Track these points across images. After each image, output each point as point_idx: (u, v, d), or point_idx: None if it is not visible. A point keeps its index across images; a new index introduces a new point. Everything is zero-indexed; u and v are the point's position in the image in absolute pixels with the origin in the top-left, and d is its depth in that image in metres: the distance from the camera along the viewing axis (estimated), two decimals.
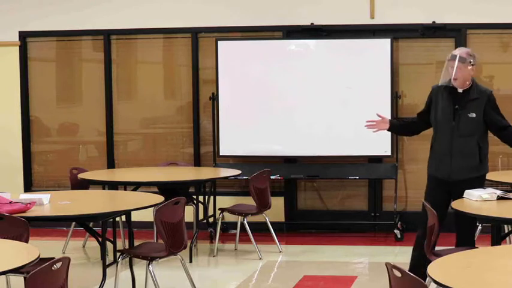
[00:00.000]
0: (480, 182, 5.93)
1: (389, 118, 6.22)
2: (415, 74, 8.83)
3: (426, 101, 6.15)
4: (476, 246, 5.91)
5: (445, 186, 5.94)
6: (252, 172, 7.79)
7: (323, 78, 8.64)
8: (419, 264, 5.97)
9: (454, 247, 5.99)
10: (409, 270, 5.88)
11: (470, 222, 5.86)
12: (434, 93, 6.07)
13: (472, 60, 5.89)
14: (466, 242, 5.91)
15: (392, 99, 8.50)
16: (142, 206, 5.83)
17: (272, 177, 8.16)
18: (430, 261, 5.90)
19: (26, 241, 4.89)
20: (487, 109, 5.89)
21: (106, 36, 9.23)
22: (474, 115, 5.86)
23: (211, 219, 8.46)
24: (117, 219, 7.51)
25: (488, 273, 3.67)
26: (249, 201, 8.02)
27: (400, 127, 6.34)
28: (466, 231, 5.95)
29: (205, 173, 8.37)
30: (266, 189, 7.75)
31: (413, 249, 6.10)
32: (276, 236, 7.93)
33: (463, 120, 5.87)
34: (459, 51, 5.92)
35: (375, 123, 6.14)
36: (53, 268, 3.88)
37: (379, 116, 6.14)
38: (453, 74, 5.84)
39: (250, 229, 7.65)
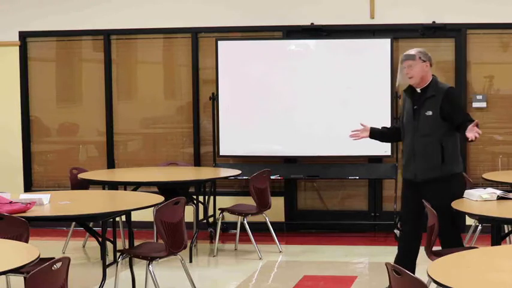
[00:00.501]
0: (446, 183, 5.81)
1: (371, 126, 6.18)
2: None
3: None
4: (476, 246, 5.91)
5: (415, 186, 5.91)
6: (252, 172, 7.80)
7: (323, 78, 8.64)
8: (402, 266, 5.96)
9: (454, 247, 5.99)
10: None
11: (452, 222, 5.81)
12: (404, 97, 6.08)
13: (422, 56, 5.85)
14: (451, 242, 5.84)
15: (392, 99, 8.50)
16: (142, 206, 5.83)
17: (272, 177, 8.16)
18: (414, 260, 5.95)
19: (26, 241, 4.89)
20: (443, 106, 5.79)
21: (106, 36, 9.24)
22: (431, 113, 5.80)
23: (211, 219, 8.46)
24: (117, 219, 7.51)
25: (488, 273, 3.67)
26: (249, 201, 8.02)
27: (381, 134, 6.24)
28: (448, 232, 5.87)
29: (205, 173, 8.37)
30: (266, 189, 7.75)
31: (398, 249, 6.05)
32: (276, 236, 7.93)
33: (421, 119, 5.83)
34: (409, 51, 5.92)
35: (358, 132, 6.14)
36: (53, 268, 3.88)
37: (362, 125, 6.14)
38: (404, 73, 5.85)
39: (250, 229, 7.65)
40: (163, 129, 9.33)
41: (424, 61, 5.87)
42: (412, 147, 5.89)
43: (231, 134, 8.79)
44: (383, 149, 8.47)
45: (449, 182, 5.84)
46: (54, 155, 9.59)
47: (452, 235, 5.85)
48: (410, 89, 5.96)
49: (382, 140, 6.39)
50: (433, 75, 5.93)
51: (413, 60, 5.85)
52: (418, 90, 5.91)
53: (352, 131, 6.17)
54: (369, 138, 6.21)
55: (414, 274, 5.70)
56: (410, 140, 5.91)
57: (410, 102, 5.94)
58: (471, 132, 5.63)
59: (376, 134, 6.20)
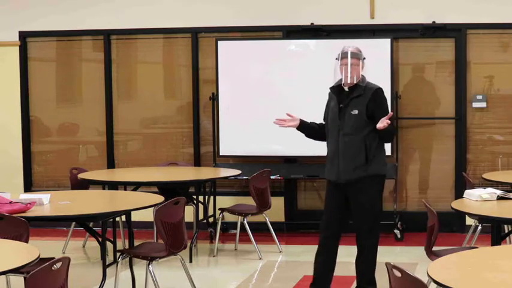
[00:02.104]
0: (370, 183, 5.77)
1: (300, 119, 6.06)
2: (415, 74, 8.84)
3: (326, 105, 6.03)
4: (476, 246, 5.92)
5: (339, 188, 5.84)
6: (252, 172, 7.79)
7: (323, 78, 8.57)
8: (328, 270, 5.96)
9: (454, 247, 5.99)
10: (314, 282, 5.92)
11: (372, 225, 5.80)
12: (329, 95, 5.98)
13: (363, 56, 5.80)
14: (367, 246, 5.84)
15: (392, 99, 8.49)
16: (142, 206, 5.83)
17: (272, 177, 8.16)
18: (332, 269, 5.93)
19: (26, 241, 4.89)
20: (369, 105, 5.73)
21: (106, 36, 9.23)
22: (356, 112, 5.72)
23: (211, 219, 8.46)
24: (117, 219, 7.51)
25: (489, 273, 3.67)
26: (249, 201, 8.02)
27: (309, 129, 6.05)
28: (365, 234, 5.84)
29: (205, 173, 8.37)
30: (266, 189, 7.75)
31: (318, 253, 5.96)
32: (276, 236, 7.93)
33: (346, 118, 5.75)
34: (350, 48, 5.77)
35: (284, 121, 5.97)
36: (53, 268, 3.88)
37: (289, 115, 5.98)
38: (349, 71, 5.72)
39: (250, 229, 7.65)
40: (163, 129, 9.32)
41: (363, 60, 5.81)
42: (336, 147, 5.80)
43: (231, 134, 8.79)
44: None
45: (372, 182, 5.78)
46: (54, 155, 9.59)
47: (368, 237, 5.83)
48: (337, 88, 5.85)
49: (308, 135, 6.13)
50: (361, 75, 5.83)
51: (358, 59, 5.76)
52: (346, 88, 5.80)
53: (277, 119, 5.98)
54: (297, 130, 6.04)
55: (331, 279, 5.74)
56: (335, 139, 5.81)
57: (335, 100, 5.82)
58: (381, 123, 5.64)
59: (305, 127, 6.02)
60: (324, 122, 6.06)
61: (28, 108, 9.45)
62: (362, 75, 5.84)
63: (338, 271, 6.04)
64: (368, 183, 5.78)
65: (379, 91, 5.82)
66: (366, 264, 5.89)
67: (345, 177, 5.77)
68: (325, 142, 6.06)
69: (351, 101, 5.77)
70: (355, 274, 6.03)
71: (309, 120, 6.10)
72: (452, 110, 8.76)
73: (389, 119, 5.65)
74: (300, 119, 6.01)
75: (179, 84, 9.29)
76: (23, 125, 9.43)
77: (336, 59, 5.84)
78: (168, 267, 6.99)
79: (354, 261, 5.96)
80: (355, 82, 5.77)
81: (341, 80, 5.84)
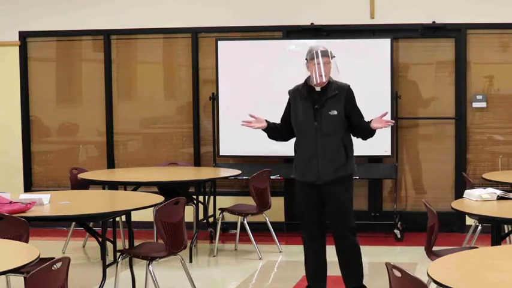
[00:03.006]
0: (348, 182, 5.81)
1: (266, 119, 6.03)
2: (415, 74, 8.84)
3: (285, 106, 5.96)
4: (476, 246, 5.92)
5: (315, 189, 5.81)
6: (252, 172, 7.79)
7: None
8: (322, 275, 5.94)
9: (454, 247, 5.99)
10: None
11: (350, 224, 5.80)
12: (292, 96, 5.91)
13: (333, 54, 5.77)
14: (348, 246, 5.84)
15: (392, 99, 8.49)
16: (142, 206, 5.83)
17: (272, 177, 8.16)
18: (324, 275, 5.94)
19: (26, 241, 4.89)
20: (346, 104, 5.74)
21: (106, 36, 9.24)
22: (335, 112, 5.72)
23: (211, 219, 8.46)
24: (117, 219, 7.51)
25: (488, 273, 3.67)
26: (249, 201, 8.02)
27: (273, 130, 6.00)
28: (342, 233, 5.83)
29: (205, 173, 8.37)
30: (266, 189, 7.75)
31: (307, 259, 5.93)
32: (276, 236, 7.93)
33: (324, 119, 5.72)
34: (321, 48, 5.73)
35: (250, 123, 5.95)
36: (53, 268, 3.88)
37: (253, 117, 5.94)
38: (322, 71, 5.67)
39: (250, 229, 7.66)
40: (163, 129, 9.32)
41: (333, 58, 5.78)
42: (314, 148, 5.75)
43: (231, 134, 8.78)
44: (383, 149, 8.47)
45: (349, 181, 5.84)
46: (54, 155, 9.59)
47: (350, 236, 5.82)
48: (305, 88, 5.80)
49: (271, 136, 6.07)
50: None
51: (328, 58, 5.73)
52: (318, 88, 5.78)
53: (244, 121, 5.95)
54: (262, 131, 5.99)
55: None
56: (311, 140, 5.75)
57: (307, 101, 5.77)
58: (379, 123, 5.70)
59: (270, 128, 5.97)
60: (280, 123, 6.00)
61: (28, 108, 9.45)
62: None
63: (338, 271, 6.04)
64: (346, 183, 5.82)
65: (350, 89, 5.83)
66: (353, 263, 5.87)
67: (325, 178, 5.75)
68: (283, 142, 6.09)
69: (327, 102, 5.75)
70: None
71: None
72: (452, 110, 8.76)
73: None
74: (266, 120, 5.97)
75: (179, 84, 9.29)
76: (23, 125, 9.43)
77: (306, 59, 5.81)
78: (168, 267, 6.99)
79: (338, 262, 5.92)
80: (324, 82, 5.75)
81: (306, 81, 5.82)
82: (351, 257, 5.87)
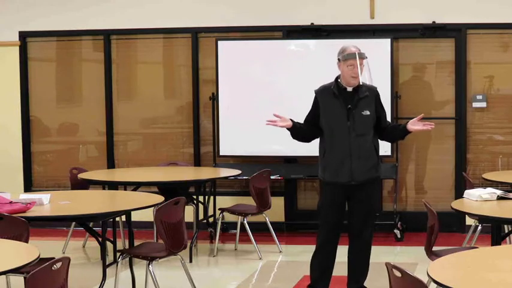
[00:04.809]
0: (378, 183, 5.90)
1: (291, 119, 5.99)
2: (415, 74, 8.84)
3: (311, 107, 5.92)
4: (476, 246, 5.92)
5: (345, 190, 5.80)
6: (252, 172, 7.80)
7: (323, 78, 8.57)
8: (328, 272, 5.99)
9: (454, 247, 6.00)
10: (312, 284, 5.94)
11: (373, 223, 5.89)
12: (320, 96, 5.88)
13: (366, 56, 5.80)
14: (367, 242, 5.92)
15: (393, 99, 8.49)
16: (142, 206, 5.83)
17: (272, 177, 8.16)
18: (328, 274, 5.95)
19: (26, 241, 4.89)
20: (376, 106, 5.80)
21: (106, 36, 9.23)
22: (368, 112, 5.74)
23: (211, 219, 8.46)
24: (117, 219, 7.51)
25: (488, 273, 3.67)
26: (249, 201, 8.02)
27: (297, 129, 5.91)
28: (369, 233, 5.92)
29: (205, 173, 8.37)
30: (266, 189, 7.75)
31: (316, 256, 5.97)
32: (276, 236, 7.93)
33: (358, 119, 5.72)
34: (355, 49, 5.74)
35: (275, 122, 5.86)
36: (53, 268, 3.88)
37: (278, 116, 5.86)
38: (359, 72, 5.69)
39: (250, 229, 7.66)
40: (163, 129, 9.32)
41: (365, 59, 5.80)
42: (348, 148, 5.73)
43: (231, 134, 8.78)
44: (383, 149, 8.42)
45: (379, 182, 6.00)
46: (54, 155, 9.59)
47: (371, 236, 5.96)
48: (336, 88, 5.79)
49: (295, 136, 5.98)
50: None
51: (363, 59, 5.76)
52: (349, 89, 5.78)
53: (269, 120, 5.86)
54: (287, 130, 5.95)
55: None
56: (343, 140, 5.74)
57: (339, 101, 5.77)
58: (416, 125, 5.73)
59: (295, 128, 5.88)
60: (304, 123, 5.97)
61: (28, 108, 9.45)
62: None
63: (338, 271, 6.04)
64: (377, 184, 5.90)
65: (378, 92, 5.89)
66: (366, 262, 5.93)
67: (359, 178, 5.75)
68: (306, 143, 6.05)
69: (359, 102, 5.77)
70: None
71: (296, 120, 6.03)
72: (452, 110, 8.76)
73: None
74: (291, 119, 5.92)
75: (179, 84, 9.29)
76: (23, 125, 9.43)
77: (338, 59, 5.80)
78: (168, 267, 6.99)
79: (350, 261, 5.95)
80: (356, 83, 5.77)
81: (337, 80, 5.81)
82: (365, 257, 5.94)
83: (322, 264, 5.96)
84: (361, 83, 5.80)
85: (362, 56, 5.76)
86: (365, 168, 5.75)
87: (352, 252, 5.94)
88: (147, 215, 7.55)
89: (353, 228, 5.92)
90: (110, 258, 6.54)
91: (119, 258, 5.88)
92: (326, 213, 5.92)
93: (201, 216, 8.02)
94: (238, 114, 8.80)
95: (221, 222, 8.10)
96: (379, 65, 8.49)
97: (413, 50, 8.80)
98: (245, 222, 7.73)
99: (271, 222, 7.87)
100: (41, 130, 9.52)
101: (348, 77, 5.75)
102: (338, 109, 5.78)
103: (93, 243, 7.51)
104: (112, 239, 6.13)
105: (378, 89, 5.88)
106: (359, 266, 5.96)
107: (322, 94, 5.88)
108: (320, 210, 5.94)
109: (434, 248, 5.36)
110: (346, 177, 5.76)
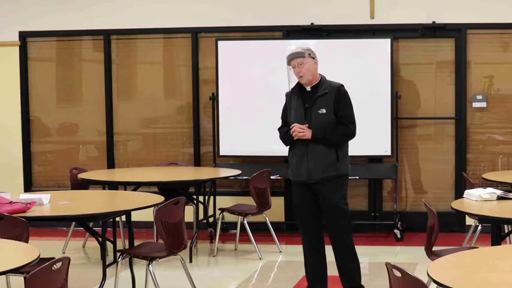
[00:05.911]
0: (340, 182, 5.79)
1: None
2: (415, 74, 8.84)
3: (282, 109, 5.99)
4: (476, 246, 5.92)
5: (309, 189, 5.82)
6: (252, 172, 7.80)
7: None
8: (322, 275, 5.96)
9: (454, 247, 5.99)
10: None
11: (345, 222, 5.82)
12: (288, 98, 5.95)
13: (311, 53, 5.80)
14: (342, 243, 5.85)
15: (392, 99, 8.50)
16: (142, 206, 5.83)
17: (272, 177, 8.16)
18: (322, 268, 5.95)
19: (26, 241, 4.89)
20: (335, 103, 5.75)
21: (106, 36, 9.24)
22: (324, 111, 5.73)
23: (211, 219, 8.46)
24: (117, 219, 7.52)
25: (488, 273, 3.67)
26: (249, 201, 8.02)
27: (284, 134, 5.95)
28: (338, 232, 5.85)
29: (205, 173, 8.37)
30: (266, 189, 7.75)
31: (307, 261, 5.97)
32: (276, 236, 7.93)
33: (314, 117, 5.74)
34: (295, 49, 5.81)
35: (304, 131, 5.77)
36: (53, 268, 3.88)
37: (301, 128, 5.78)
38: (294, 74, 5.75)
39: (250, 229, 7.66)
40: (163, 129, 9.33)
41: (313, 58, 5.81)
42: (305, 147, 5.76)
43: (231, 134, 8.79)
44: (383, 149, 8.47)
45: (342, 181, 5.82)
46: (54, 155, 9.59)
47: (345, 236, 5.85)
48: (298, 88, 5.85)
49: (287, 142, 5.94)
50: (320, 74, 5.85)
51: (303, 58, 5.76)
52: (308, 88, 5.81)
53: (297, 132, 5.77)
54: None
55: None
56: (302, 140, 5.75)
57: (298, 100, 5.80)
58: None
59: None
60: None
61: (28, 108, 9.45)
62: (320, 74, 5.86)
63: (333, 271, 6.04)
64: (338, 183, 5.81)
65: (342, 88, 5.83)
66: (351, 263, 5.89)
67: (315, 177, 5.76)
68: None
69: (316, 100, 5.78)
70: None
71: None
72: (452, 110, 8.76)
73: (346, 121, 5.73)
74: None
75: (179, 84, 9.30)
76: (23, 125, 9.43)
77: (288, 60, 5.85)
78: (168, 267, 7.00)
79: (335, 261, 5.93)
80: (309, 80, 5.78)
81: (298, 81, 5.87)
82: (345, 258, 5.89)
83: (310, 265, 5.98)
84: (322, 80, 5.81)
85: (298, 56, 5.76)
86: (321, 167, 5.74)
87: (334, 253, 5.93)
88: (147, 215, 7.55)
89: (327, 228, 5.91)
90: (110, 258, 6.54)
91: (119, 258, 5.88)
92: (297, 212, 5.98)
93: (201, 216, 8.02)
94: (238, 114, 8.80)
95: (221, 222, 8.10)
96: (379, 65, 8.52)
97: (413, 50, 8.80)
98: (245, 222, 7.73)
99: (271, 222, 7.87)
100: (41, 130, 9.52)
101: (297, 78, 5.81)
102: (298, 108, 5.83)
103: (93, 243, 7.51)
104: (112, 239, 6.13)
105: (343, 86, 5.83)
106: (341, 267, 5.93)
107: (289, 96, 5.96)
108: (294, 210, 5.99)
109: (434, 248, 5.36)
110: (304, 176, 5.80)
